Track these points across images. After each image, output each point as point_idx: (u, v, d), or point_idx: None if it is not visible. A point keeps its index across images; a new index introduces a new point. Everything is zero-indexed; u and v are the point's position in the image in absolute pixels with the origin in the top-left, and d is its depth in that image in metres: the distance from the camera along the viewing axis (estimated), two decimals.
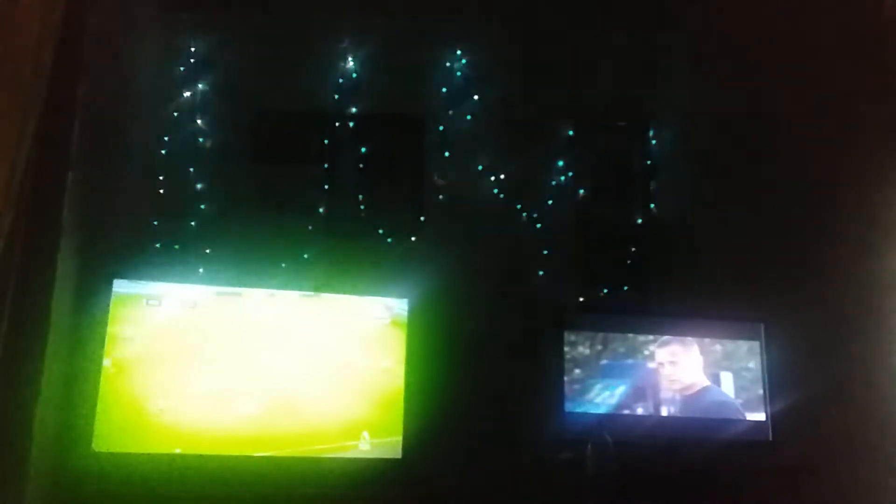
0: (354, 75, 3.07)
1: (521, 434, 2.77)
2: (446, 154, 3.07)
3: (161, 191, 2.78)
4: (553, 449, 2.74)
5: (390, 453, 2.66)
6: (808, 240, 3.14)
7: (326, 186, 2.95)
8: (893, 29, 3.33)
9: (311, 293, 2.74)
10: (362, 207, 2.98)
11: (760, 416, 2.86)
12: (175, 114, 2.88)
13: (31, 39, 2.01)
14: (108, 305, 2.56)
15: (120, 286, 2.58)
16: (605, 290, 3.03)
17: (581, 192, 3.12)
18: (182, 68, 2.92)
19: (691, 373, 2.85)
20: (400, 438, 2.67)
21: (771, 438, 2.83)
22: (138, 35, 2.84)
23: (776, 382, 2.89)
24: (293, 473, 2.60)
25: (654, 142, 3.19)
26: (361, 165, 3.01)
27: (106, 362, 2.51)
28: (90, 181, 2.47)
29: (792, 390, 2.90)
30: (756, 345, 2.91)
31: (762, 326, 2.92)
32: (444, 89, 3.10)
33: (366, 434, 2.66)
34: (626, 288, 3.04)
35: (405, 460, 2.66)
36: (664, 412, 2.82)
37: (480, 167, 3.08)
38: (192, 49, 2.93)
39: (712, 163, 3.17)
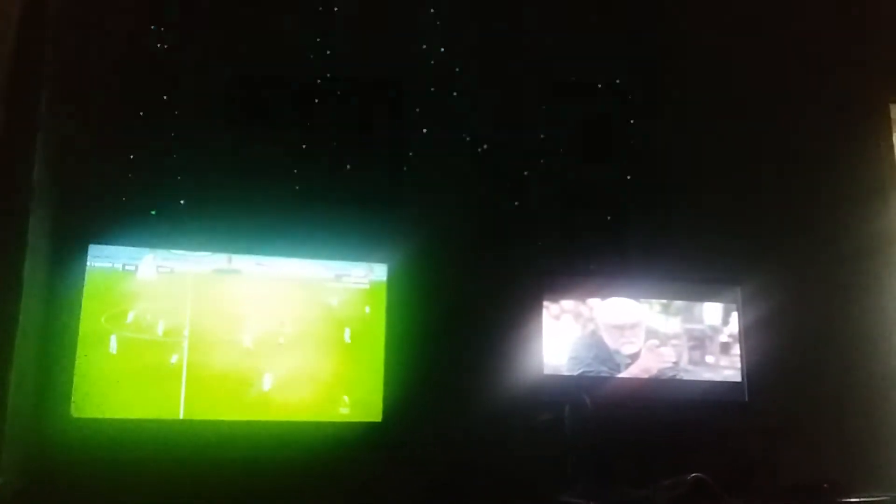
0: (333, 39, 3.01)
1: (501, 396, 2.78)
2: (424, 115, 3.03)
3: (132, 156, 2.73)
4: (532, 411, 2.76)
5: (371, 416, 2.67)
6: (785, 202, 3.17)
7: (303, 148, 2.91)
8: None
9: (290, 258, 2.73)
10: (341, 173, 2.94)
11: (737, 378, 2.89)
12: (148, 76, 2.81)
13: None
14: (84, 270, 2.53)
15: (95, 251, 2.55)
16: (585, 255, 3.02)
17: (561, 157, 3.10)
18: (154, 28, 2.85)
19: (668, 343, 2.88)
20: (380, 402, 2.68)
21: (747, 399, 2.87)
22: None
23: (752, 344, 2.92)
24: (274, 438, 2.61)
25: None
26: (339, 130, 2.97)
27: (82, 327, 2.49)
28: (61, 144, 2.43)
29: (768, 352, 2.94)
30: (732, 307, 2.94)
31: (739, 289, 2.95)
32: (423, 46, 3.06)
33: (346, 398, 2.66)
34: (605, 250, 3.03)
35: (385, 423, 2.67)
36: (642, 375, 2.85)
37: (461, 132, 3.05)
38: (165, 10, 2.86)
39: (689, 122, 3.18)
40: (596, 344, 2.84)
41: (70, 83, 2.54)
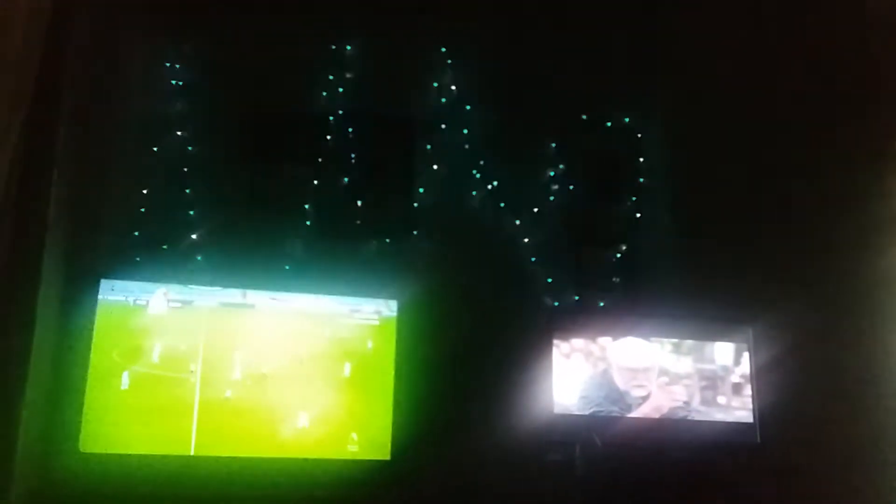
0: (346, 76, 3.05)
1: (511, 435, 2.76)
2: (437, 156, 3.05)
3: (145, 191, 2.76)
4: (542, 450, 2.74)
5: (379, 454, 2.65)
6: (796, 241, 3.16)
7: (316, 186, 2.93)
8: (877, 27, 3.36)
9: (301, 294, 2.74)
10: (352, 208, 2.96)
11: (748, 419, 2.86)
12: (163, 113, 2.85)
13: (18, 39, 2.00)
14: (95, 305, 2.54)
15: (107, 286, 2.57)
16: (595, 293, 3.02)
17: (571, 194, 3.11)
18: (170, 66, 2.89)
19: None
20: (389, 440, 2.66)
21: (759, 440, 2.84)
22: (125, 35, 2.82)
23: (764, 385, 2.89)
24: (283, 475, 2.60)
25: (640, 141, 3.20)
26: (351, 166, 3.00)
27: (93, 362, 2.49)
28: (76, 181, 2.46)
29: (780, 392, 2.91)
30: (744, 347, 2.92)
31: (750, 330, 2.93)
32: (434, 84, 3.10)
33: (355, 436, 2.65)
34: (615, 288, 3.03)
35: (394, 461, 2.65)
36: (653, 414, 2.82)
37: (472, 170, 3.07)
38: (181, 48, 2.91)
39: (701, 166, 3.19)
40: (607, 383, 2.82)
41: (85, 120, 2.57)
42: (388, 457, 2.65)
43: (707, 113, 3.25)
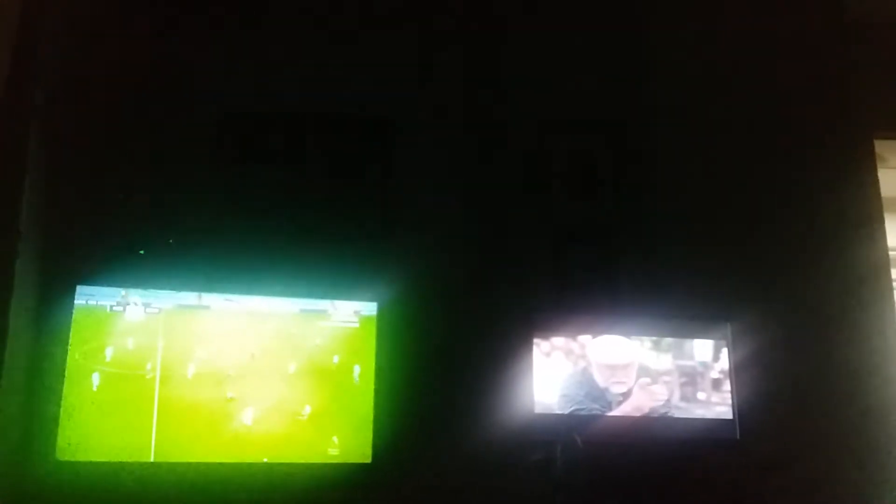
0: (322, 75, 3.03)
1: (492, 435, 2.76)
2: (413, 153, 3.04)
3: (122, 195, 2.73)
4: (524, 450, 2.74)
5: (360, 458, 2.64)
6: (773, 238, 3.18)
7: (293, 189, 2.91)
8: (853, 24, 3.40)
9: (279, 297, 2.72)
10: (331, 210, 2.94)
11: (728, 415, 2.88)
12: (137, 115, 2.82)
13: None
14: (71, 311, 2.51)
15: (83, 291, 2.54)
16: (575, 291, 3.02)
17: (551, 193, 3.11)
18: (141, 65, 2.85)
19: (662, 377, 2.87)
20: (370, 443, 2.65)
21: (738, 437, 2.86)
22: (97, 37, 2.78)
23: (743, 380, 2.91)
24: (262, 480, 2.58)
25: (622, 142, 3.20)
26: (329, 168, 2.98)
27: (69, 370, 2.46)
28: (48, 186, 2.43)
29: (759, 388, 2.93)
30: (723, 343, 2.93)
31: (729, 326, 2.95)
32: (412, 86, 3.08)
33: (335, 439, 2.64)
34: (595, 287, 3.03)
35: (375, 464, 2.64)
36: (634, 412, 2.83)
37: (449, 169, 3.06)
38: (155, 49, 2.87)
39: (678, 159, 3.20)
40: (587, 381, 2.83)
41: (57, 124, 2.54)
42: (369, 460, 2.64)
43: (689, 111, 3.26)
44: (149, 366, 2.53)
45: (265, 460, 2.58)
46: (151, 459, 2.48)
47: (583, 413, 2.80)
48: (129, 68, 2.85)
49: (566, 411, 2.79)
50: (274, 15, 3.08)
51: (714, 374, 2.92)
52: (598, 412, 2.81)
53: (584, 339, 2.86)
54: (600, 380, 2.84)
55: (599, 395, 2.83)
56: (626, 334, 2.88)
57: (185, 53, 2.92)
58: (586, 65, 3.23)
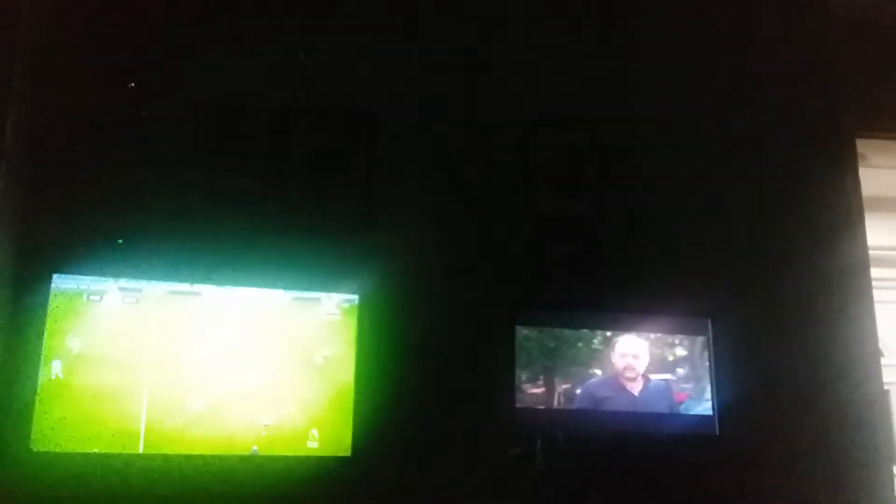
0: (306, 68, 3.01)
1: (472, 430, 2.75)
2: (396, 144, 3.03)
3: (103, 184, 2.70)
4: (504, 445, 2.74)
5: (340, 451, 2.63)
6: (754, 235, 3.20)
7: (275, 181, 2.89)
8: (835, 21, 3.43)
9: (261, 289, 2.69)
10: (313, 203, 2.92)
11: (707, 411, 2.89)
12: (118, 105, 2.79)
13: None
14: (47, 301, 2.47)
15: (59, 281, 2.51)
16: (557, 286, 3.02)
17: (535, 187, 3.11)
18: (124, 59, 2.83)
19: (643, 367, 2.87)
20: (349, 436, 2.64)
21: (718, 433, 2.86)
22: (78, 25, 2.75)
23: (723, 377, 2.92)
24: (241, 473, 2.55)
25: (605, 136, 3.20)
26: (312, 161, 2.96)
27: (43, 359, 2.43)
28: (24, 173, 2.40)
29: (738, 385, 2.94)
30: (702, 340, 2.94)
31: (709, 321, 2.95)
32: (396, 77, 3.07)
33: (314, 432, 2.62)
34: (577, 282, 3.03)
35: (355, 458, 2.63)
36: (618, 407, 2.83)
37: (433, 162, 3.05)
38: (134, 39, 2.85)
39: (661, 156, 3.21)
40: (570, 375, 2.82)
41: (35, 109, 2.51)
42: (348, 453, 2.62)
43: (673, 109, 3.27)
44: (121, 356, 2.49)
45: (254, 448, 2.55)
46: (121, 451, 2.45)
47: (563, 408, 2.79)
48: (109, 59, 2.82)
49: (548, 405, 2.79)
50: (256, 6, 3.06)
51: (695, 371, 2.93)
52: (582, 406, 2.81)
53: (568, 332, 2.85)
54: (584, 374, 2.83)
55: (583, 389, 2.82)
56: (609, 329, 2.88)
57: (165, 47, 2.89)
58: (572, 59, 3.24)
